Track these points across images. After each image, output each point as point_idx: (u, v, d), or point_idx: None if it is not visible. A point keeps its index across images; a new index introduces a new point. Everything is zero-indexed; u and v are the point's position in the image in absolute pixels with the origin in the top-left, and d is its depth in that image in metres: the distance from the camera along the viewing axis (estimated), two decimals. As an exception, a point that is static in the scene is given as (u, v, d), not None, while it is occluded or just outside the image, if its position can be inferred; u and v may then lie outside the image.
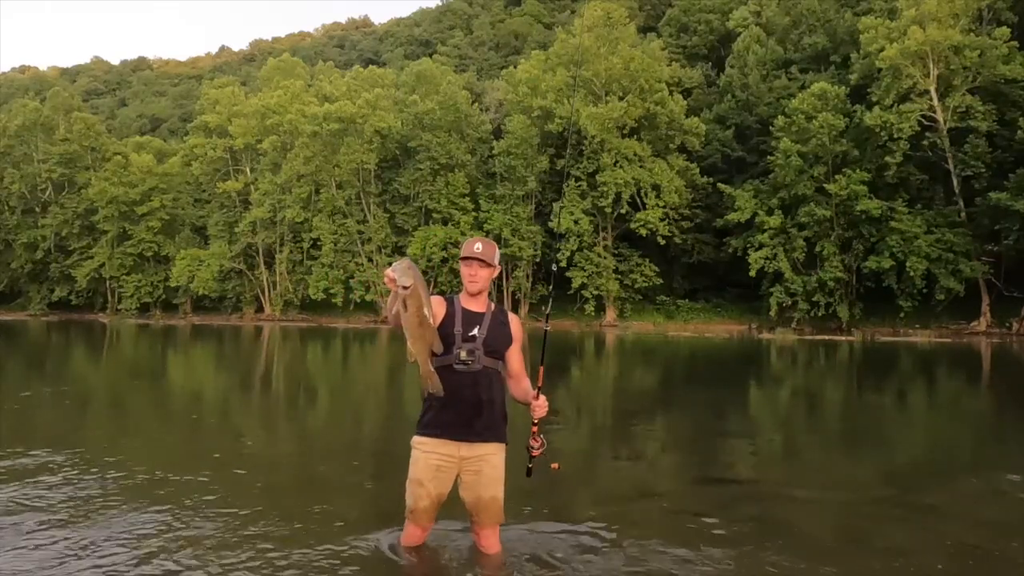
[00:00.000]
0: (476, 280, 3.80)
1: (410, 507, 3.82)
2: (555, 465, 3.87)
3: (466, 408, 3.71)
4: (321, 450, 7.70)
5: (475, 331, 3.74)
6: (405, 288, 3.32)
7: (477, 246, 3.82)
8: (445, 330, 3.73)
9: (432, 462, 3.74)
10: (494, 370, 3.79)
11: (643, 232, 45.14)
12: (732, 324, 43.82)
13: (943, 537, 4.71)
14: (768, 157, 42.05)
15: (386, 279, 3.42)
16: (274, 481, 5.95)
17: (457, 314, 3.77)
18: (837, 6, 51.75)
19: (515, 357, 3.89)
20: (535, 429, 3.79)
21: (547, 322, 4.14)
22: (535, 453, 3.81)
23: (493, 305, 3.90)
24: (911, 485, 6.25)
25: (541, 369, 3.87)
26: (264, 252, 57.06)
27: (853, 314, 40.53)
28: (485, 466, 3.76)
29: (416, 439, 3.80)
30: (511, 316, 3.95)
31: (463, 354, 3.70)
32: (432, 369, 3.56)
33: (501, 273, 49.24)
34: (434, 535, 4.08)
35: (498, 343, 3.80)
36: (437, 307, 3.76)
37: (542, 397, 3.78)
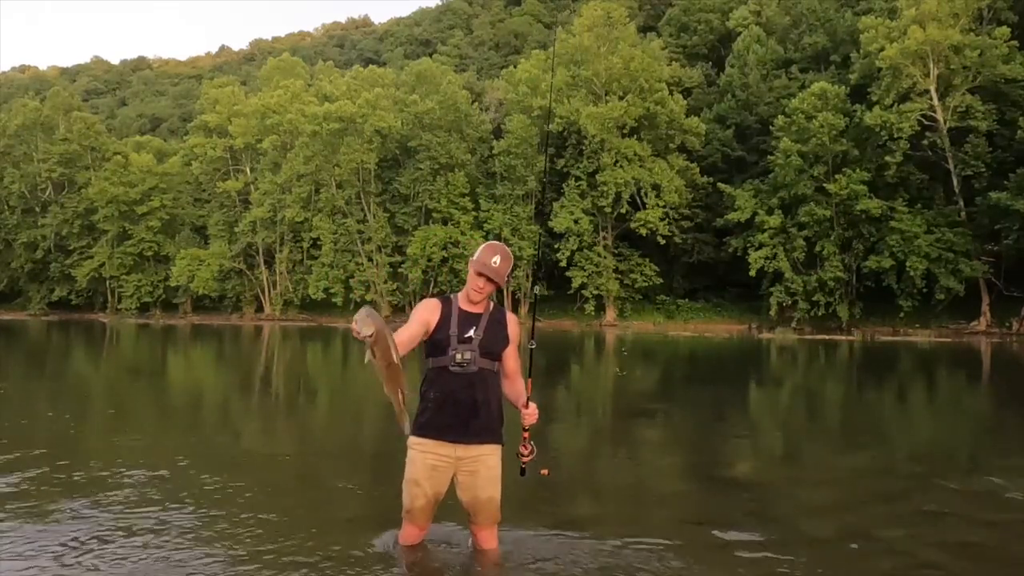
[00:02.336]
0: (482, 293, 3.78)
1: (407, 507, 3.82)
2: (545, 471, 3.86)
3: (462, 410, 3.71)
4: (320, 450, 7.70)
5: (471, 332, 3.73)
6: (368, 336, 3.37)
7: (495, 260, 3.74)
8: (441, 333, 3.73)
9: (429, 462, 3.74)
10: (490, 371, 3.77)
11: (643, 232, 45.11)
12: (732, 324, 43.79)
13: (943, 537, 4.71)
14: (768, 157, 42.03)
15: (353, 331, 3.43)
16: (273, 481, 5.95)
17: (453, 315, 3.76)
18: (837, 6, 51.71)
19: (512, 358, 3.88)
20: (526, 435, 3.79)
21: (532, 338, 3.98)
22: (524, 460, 3.80)
23: (491, 305, 3.87)
24: (911, 485, 6.24)
25: (528, 381, 3.86)
26: (264, 252, 57.07)
27: (853, 314, 40.52)
28: (481, 467, 3.76)
29: (412, 439, 3.80)
30: (509, 316, 3.92)
31: (458, 356, 3.69)
32: (404, 408, 3.58)
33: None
34: (432, 534, 4.08)
35: (495, 344, 3.78)
36: (432, 312, 3.76)
37: (532, 405, 3.78)
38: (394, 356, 3.43)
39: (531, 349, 3.98)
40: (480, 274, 3.73)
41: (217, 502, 5.11)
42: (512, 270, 3.97)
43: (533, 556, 4.06)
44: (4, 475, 5.81)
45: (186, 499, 5.15)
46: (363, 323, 3.36)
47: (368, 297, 51.65)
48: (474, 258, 3.78)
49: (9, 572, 3.78)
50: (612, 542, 4.33)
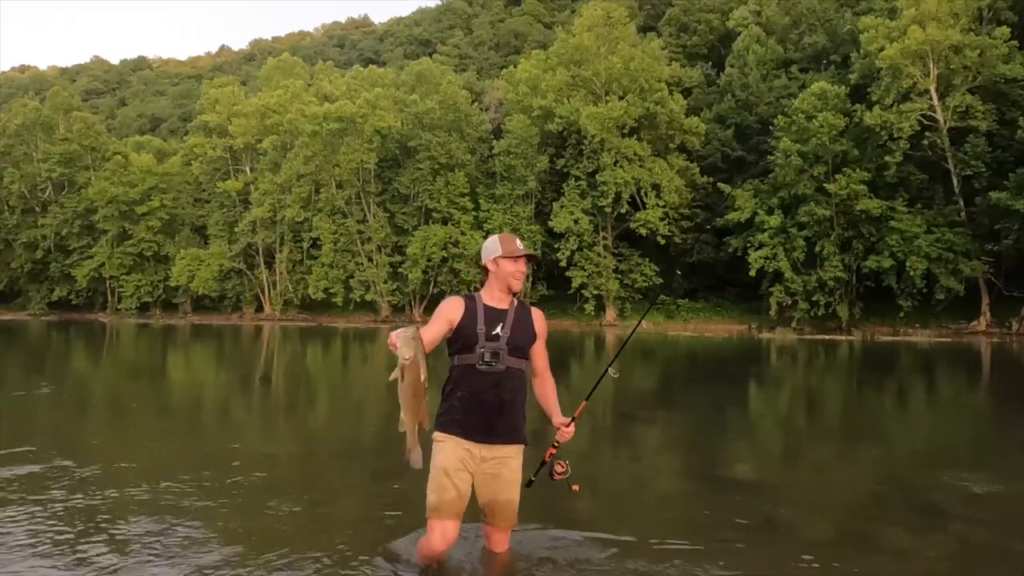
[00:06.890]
0: (521, 278, 3.73)
1: (434, 503, 3.59)
2: (575, 487, 3.79)
3: (488, 410, 3.60)
4: (320, 450, 7.69)
5: (498, 329, 3.62)
6: (405, 359, 3.28)
7: (520, 243, 3.76)
8: (467, 329, 3.60)
9: (459, 453, 3.61)
10: (518, 370, 3.67)
11: (643, 232, 45.13)
12: (732, 324, 43.78)
13: (943, 537, 4.71)
14: (768, 157, 42.01)
15: (389, 343, 3.33)
16: (272, 481, 5.95)
17: (479, 312, 3.64)
18: (837, 6, 51.67)
19: (540, 354, 3.79)
20: (553, 451, 3.76)
21: (613, 367, 4.06)
22: (557, 477, 3.77)
23: (515, 301, 3.76)
24: (911, 484, 6.24)
25: (584, 404, 3.93)
26: (264, 252, 57.08)
27: (853, 314, 40.51)
28: (503, 469, 3.66)
29: (437, 434, 3.67)
30: (534, 311, 3.82)
31: (487, 355, 3.57)
32: (417, 443, 3.44)
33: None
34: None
35: (522, 341, 3.67)
36: (456, 309, 3.64)
37: (573, 425, 3.77)
38: (423, 386, 3.34)
39: (613, 376, 4.06)
40: (518, 258, 3.69)
41: (215, 502, 5.11)
42: None
43: (540, 557, 4.06)
44: (3, 473, 5.81)
45: (185, 499, 5.15)
46: (404, 344, 3.29)
47: (368, 297, 51.67)
48: (495, 252, 3.70)
49: (6, 570, 3.78)
50: (613, 542, 4.33)
